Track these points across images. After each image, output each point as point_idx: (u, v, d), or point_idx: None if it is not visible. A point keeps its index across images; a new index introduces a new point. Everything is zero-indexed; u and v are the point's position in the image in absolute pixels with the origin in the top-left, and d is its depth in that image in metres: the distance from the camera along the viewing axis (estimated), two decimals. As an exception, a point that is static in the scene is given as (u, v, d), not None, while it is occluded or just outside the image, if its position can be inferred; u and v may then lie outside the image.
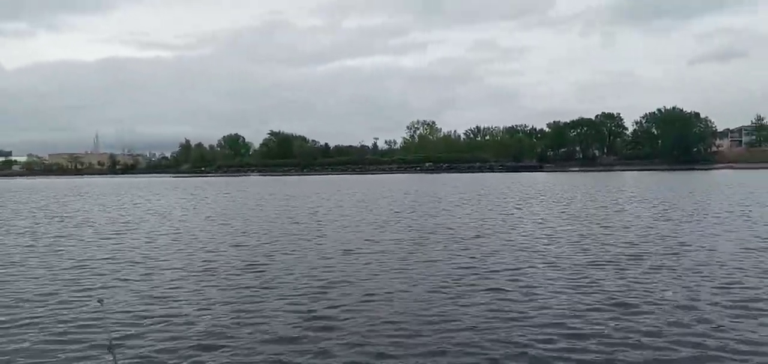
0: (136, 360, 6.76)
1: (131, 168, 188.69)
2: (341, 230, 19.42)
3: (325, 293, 9.99)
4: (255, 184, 73.08)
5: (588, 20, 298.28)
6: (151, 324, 8.19)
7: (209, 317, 8.58)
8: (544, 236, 16.89)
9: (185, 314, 8.69)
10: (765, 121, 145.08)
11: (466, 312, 8.55)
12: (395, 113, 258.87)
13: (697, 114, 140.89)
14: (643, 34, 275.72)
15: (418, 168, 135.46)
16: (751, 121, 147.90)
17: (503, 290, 9.97)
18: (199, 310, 8.98)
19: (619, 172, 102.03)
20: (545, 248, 14.51)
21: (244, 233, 19.22)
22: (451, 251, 14.28)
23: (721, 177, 65.69)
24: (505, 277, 11.03)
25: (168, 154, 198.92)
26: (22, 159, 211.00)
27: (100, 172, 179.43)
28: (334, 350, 6.99)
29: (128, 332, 7.75)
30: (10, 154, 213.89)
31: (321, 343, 7.24)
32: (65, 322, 8.29)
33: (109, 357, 4.82)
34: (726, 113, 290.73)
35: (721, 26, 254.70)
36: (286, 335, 7.63)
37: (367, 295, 9.75)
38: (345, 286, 10.53)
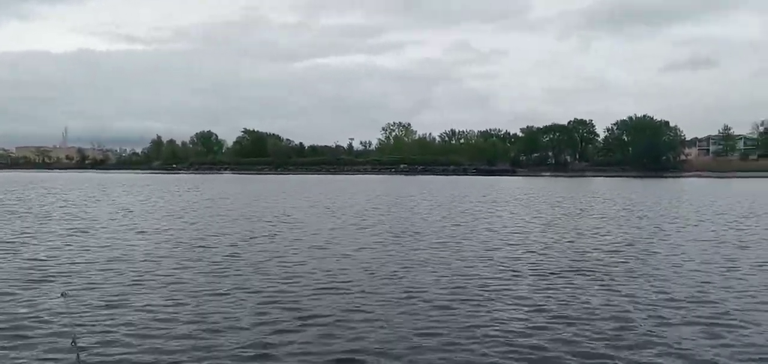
0: (100, 351, 6.69)
1: (101, 163, 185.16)
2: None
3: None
4: (224, 182, 72.41)
5: (564, 25, 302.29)
6: (116, 317, 8.11)
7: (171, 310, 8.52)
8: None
9: (149, 308, 8.63)
10: (732, 131, 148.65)
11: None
12: (371, 114, 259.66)
13: (667, 122, 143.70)
14: (617, 40, 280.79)
15: (393, 170, 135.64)
16: (719, 130, 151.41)
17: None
18: (163, 303, 8.92)
19: (590, 178, 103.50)
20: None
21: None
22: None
23: (687, 185, 67.08)
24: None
25: (139, 151, 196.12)
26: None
27: (69, 167, 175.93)
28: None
29: (92, 326, 7.67)
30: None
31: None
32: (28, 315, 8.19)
33: (73, 351, 4.77)
34: (694, 122, 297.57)
35: (694, 35, 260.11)
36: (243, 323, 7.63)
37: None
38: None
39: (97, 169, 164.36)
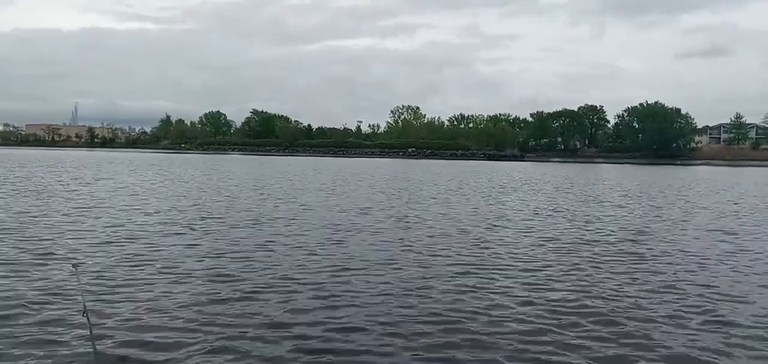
0: (111, 323, 6.68)
1: (110, 142, 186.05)
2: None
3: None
4: (229, 162, 72.57)
5: (576, 10, 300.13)
6: (126, 288, 8.12)
7: (185, 283, 8.52)
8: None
9: (161, 279, 8.63)
10: (744, 119, 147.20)
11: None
12: (380, 96, 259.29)
13: (678, 110, 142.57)
14: (629, 27, 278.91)
15: (401, 153, 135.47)
16: (731, 119, 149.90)
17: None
18: (174, 277, 8.91)
19: (599, 164, 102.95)
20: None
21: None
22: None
23: (697, 173, 66.59)
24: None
25: (148, 129, 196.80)
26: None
27: (78, 146, 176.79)
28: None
29: (103, 296, 7.67)
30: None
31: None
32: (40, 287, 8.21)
33: (84, 321, 4.74)
34: (706, 110, 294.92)
35: (707, 23, 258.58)
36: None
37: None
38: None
39: (106, 148, 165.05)
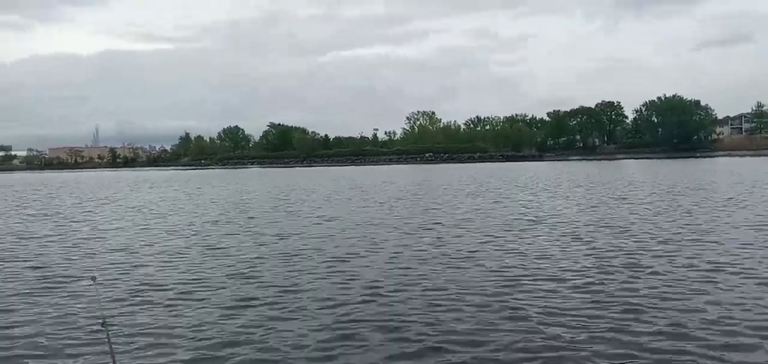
0: (129, 332, 6.90)
1: (131, 161, 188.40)
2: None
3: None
4: (250, 176, 73.09)
5: (590, 6, 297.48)
6: (142, 301, 8.35)
7: (202, 298, 8.72)
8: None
9: (176, 294, 8.85)
10: (765, 108, 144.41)
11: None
12: (395, 103, 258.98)
13: (698, 102, 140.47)
14: (645, 19, 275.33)
15: (418, 159, 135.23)
16: (752, 108, 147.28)
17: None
18: (192, 291, 9.12)
19: (619, 161, 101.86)
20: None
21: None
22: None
23: (717, 165, 65.58)
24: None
25: (168, 147, 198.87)
26: (22, 153, 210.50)
27: (100, 166, 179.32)
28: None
29: (121, 308, 7.92)
30: (10, 148, 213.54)
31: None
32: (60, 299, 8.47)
33: (103, 332, 4.92)
34: (727, 101, 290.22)
35: (725, 11, 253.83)
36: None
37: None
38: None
39: (127, 167, 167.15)
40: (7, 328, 7.28)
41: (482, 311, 7.54)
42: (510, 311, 7.51)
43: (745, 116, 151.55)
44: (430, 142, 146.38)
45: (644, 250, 11.53)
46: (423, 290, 8.73)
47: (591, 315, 7.24)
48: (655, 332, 6.58)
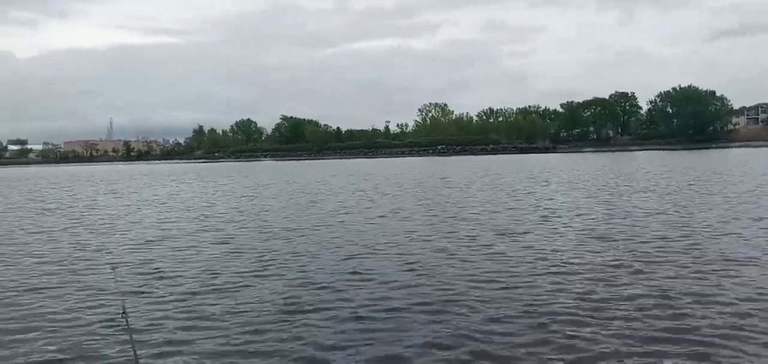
0: (148, 321, 6.93)
1: (145, 155, 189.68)
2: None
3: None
4: (262, 169, 73.36)
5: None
6: (163, 291, 8.38)
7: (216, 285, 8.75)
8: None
9: (193, 283, 8.87)
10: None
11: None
12: (407, 96, 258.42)
13: (713, 92, 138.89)
14: (658, 10, 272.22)
15: (431, 151, 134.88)
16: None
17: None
18: (205, 279, 9.15)
19: (633, 152, 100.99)
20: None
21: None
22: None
23: (731, 156, 64.81)
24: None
25: (182, 140, 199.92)
26: (38, 147, 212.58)
27: (115, 160, 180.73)
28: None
29: (140, 297, 7.96)
30: (25, 142, 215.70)
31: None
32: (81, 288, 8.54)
33: (123, 319, 4.93)
34: (743, 91, 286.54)
35: (739, 0, 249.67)
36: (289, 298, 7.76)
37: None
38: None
39: (141, 160, 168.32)
40: (28, 318, 7.34)
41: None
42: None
43: (761, 106, 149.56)
44: (442, 135, 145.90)
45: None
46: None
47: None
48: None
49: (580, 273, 8.87)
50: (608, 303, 7.24)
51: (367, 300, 7.69)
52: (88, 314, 7.36)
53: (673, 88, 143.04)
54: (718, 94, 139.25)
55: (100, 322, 7.02)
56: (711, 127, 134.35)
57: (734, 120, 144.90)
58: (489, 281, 8.57)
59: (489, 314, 6.97)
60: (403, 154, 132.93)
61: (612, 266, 9.35)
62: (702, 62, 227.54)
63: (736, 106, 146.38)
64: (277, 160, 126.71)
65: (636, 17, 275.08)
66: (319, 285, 8.59)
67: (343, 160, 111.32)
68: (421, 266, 9.73)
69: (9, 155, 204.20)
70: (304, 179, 40.22)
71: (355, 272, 9.38)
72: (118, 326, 6.54)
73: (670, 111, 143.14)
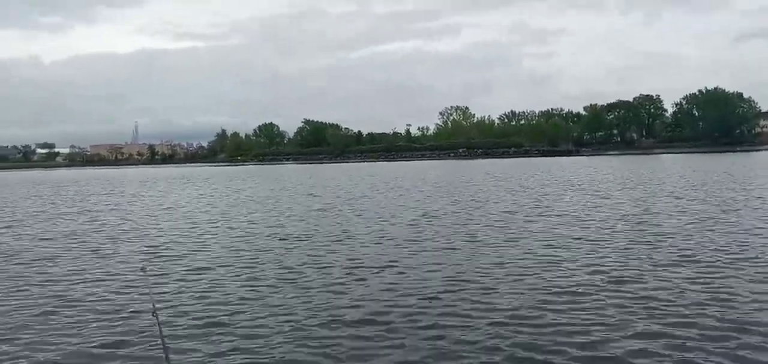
0: (178, 322, 7.08)
1: (170, 158, 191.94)
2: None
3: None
4: (288, 173, 73.78)
5: None
6: (192, 291, 8.56)
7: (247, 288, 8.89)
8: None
9: (224, 284, 9.03)
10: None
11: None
12: (428, 99, 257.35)
13: (740, 94, 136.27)
14: (683, 12, 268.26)
15: (452, 154, 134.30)
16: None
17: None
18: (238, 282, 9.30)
19: (658, 155, 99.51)
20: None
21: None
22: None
23: (760, 159, 63.49)
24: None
25: (205, 144, 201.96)
26: (65, 151, 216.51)
27: (140, 163, 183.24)
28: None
29: (171, 298, 8.13)
30: (53, 146, 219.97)
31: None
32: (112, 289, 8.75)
33: (153, 319, 5.05)
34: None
35: (766, 1, 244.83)
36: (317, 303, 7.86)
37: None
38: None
39: (166, 164, 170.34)
40: (61, 319, 7.54)
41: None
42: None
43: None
44: (463, 137, 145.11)
45: None
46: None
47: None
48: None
49: None
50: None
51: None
52: (119, 314, 7.55)
53: (699, 91, 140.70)
54: (745, 96, 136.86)
55: (132, 322, 7.20)
56: (738, 130, 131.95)
57: (762, 123, 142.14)
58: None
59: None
60: (424, 157, 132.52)
61: None
62: (729, 64, 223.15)
63: (763, 109, 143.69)
64: (299, 163, 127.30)
65: (660, 19, 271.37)
66: (357, 296, 8.70)
67: (363, 163, 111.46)
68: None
69: (37, 158, 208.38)
70: (357, 189, 40.38)
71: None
72: (150, 325, 6.69)
73: (696, 113, 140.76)
